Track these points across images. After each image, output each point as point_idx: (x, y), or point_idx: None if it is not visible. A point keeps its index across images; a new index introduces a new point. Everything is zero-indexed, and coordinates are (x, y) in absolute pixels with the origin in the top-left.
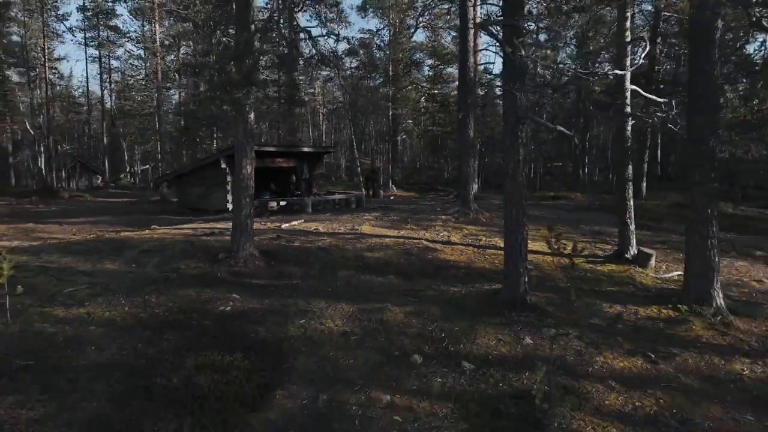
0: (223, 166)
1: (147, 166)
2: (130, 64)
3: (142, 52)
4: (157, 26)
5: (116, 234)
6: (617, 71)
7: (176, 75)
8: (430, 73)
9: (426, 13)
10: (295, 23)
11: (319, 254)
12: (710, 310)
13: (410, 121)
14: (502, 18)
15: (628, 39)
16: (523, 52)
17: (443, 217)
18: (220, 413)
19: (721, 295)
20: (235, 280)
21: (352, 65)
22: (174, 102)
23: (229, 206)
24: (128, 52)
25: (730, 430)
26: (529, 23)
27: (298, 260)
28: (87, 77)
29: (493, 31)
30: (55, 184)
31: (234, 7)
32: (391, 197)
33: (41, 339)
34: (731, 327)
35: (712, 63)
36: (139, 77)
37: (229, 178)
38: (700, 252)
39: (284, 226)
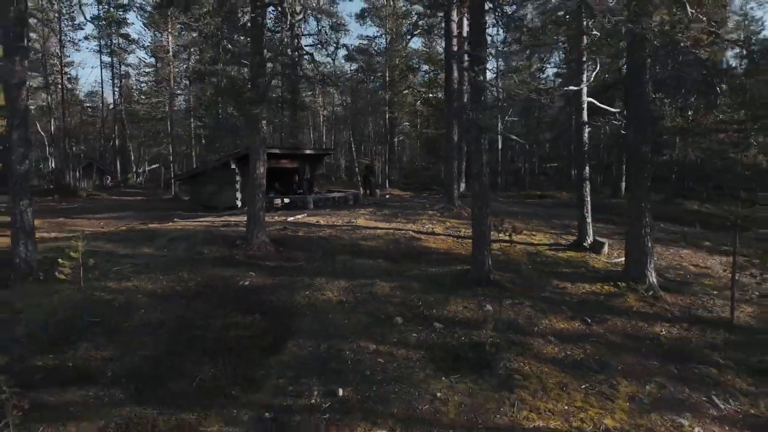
0: (233, 167)
1: (154, 166)
2: (143, 71)
3: (153, 59)
4: (170, 37)
5: (145, 226)
6: (572, 87)
7: (187, 81)
8: (426, 78)
9: (420, 22)
10: (302, 50)
11: (320, 242)
12: (644, 287)
13: (407, 123)
14: (468, 50)
15: (584, 59)
16: (481, 78)
17: (430, 212)
18: (246, 357)
19: (654, 275)
20: (251, 261)
21: (352, 67)
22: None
23: (238, 203)
24: (141, 59)
25: (637, 371)
26: (492, 52)
27: (303, 247)
28: (102, 82)
29: (463, 59)
30: (71, 184)
31: (249, 26)
32: (387, 196)
33: (103, 303)
34: (660, 300)
35: (644, 86)
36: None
37: (238, 178)
38: (637, 241)
39: (289, 219)
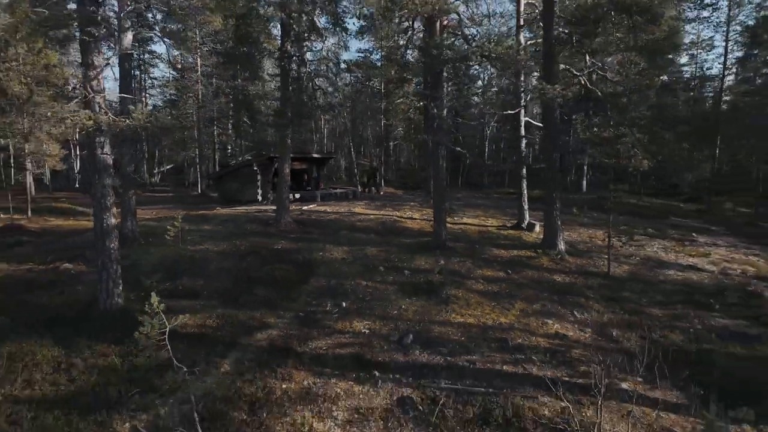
0: (255, 168)
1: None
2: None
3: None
4: (199, 60)
5: (196, 212)
6: (509, 111)
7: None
8: (418, 89)
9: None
10: (315, 86)
11: (328, 223)
12: (554, 252)
13: (400, 129)
14: (428, 92)
15: (522, 89)
16: (436, 111)
17: (411, 203)
18: (285, 286)
19: (562, 245)
20: (280, 234)
21: (352, 75)
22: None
23: (259, 198)
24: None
25: (531, 298)
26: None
27: (316, 225)
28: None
29: (427, 96)
30: None
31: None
32: (381, 193)
33: (188, 258)
34: (564, 260)
35: (553, 111)
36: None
37: (259, 177)
38: (550, 221)
39: (304, 208)
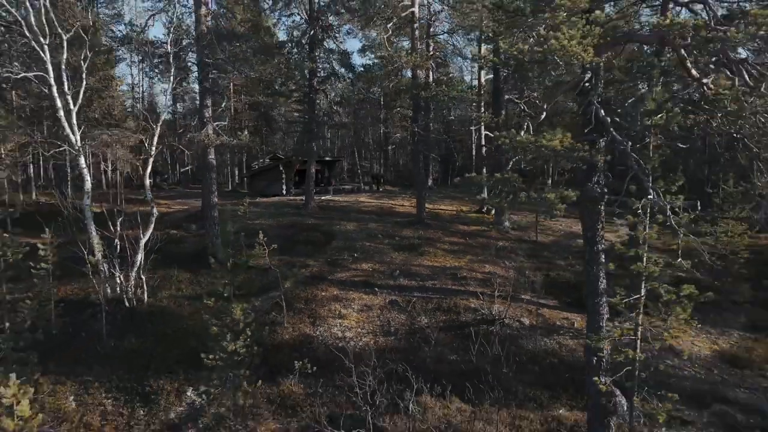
0: (281, 169)
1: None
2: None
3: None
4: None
5: (242, 201)
6: (472, 128)
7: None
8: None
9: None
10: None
11: (341, 207)
12: (501, 227)
13: (397, 135)
14: (412, 115)
15: (482, 110)
16: (416, 128)
17: (403, 196)
18: (316, 245)
19: (508, 222)
20: (309, 214)
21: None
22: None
23: (283, 192)
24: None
25: (478, 252)
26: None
27: (332, 209)
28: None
29: (408, 116)
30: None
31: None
32: (381, 190)
33: (251, 227)
34: (508, 233)
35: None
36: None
37: (284, 176)
38: (500, 206)
39: (322, 198)
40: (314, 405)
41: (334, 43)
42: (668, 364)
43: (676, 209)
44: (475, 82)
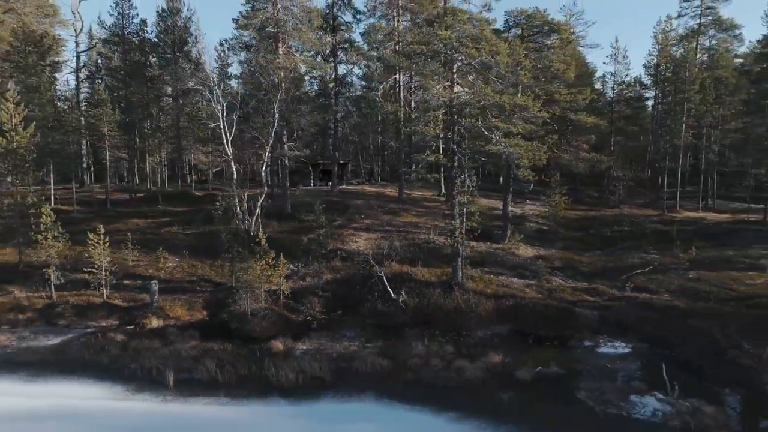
0: (309, 168)
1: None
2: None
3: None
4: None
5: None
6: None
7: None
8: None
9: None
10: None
11: (352, 192)
12: (447, 203)
13: (391, 143)
14: (391, 136)
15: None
16: (398, 145)
17: (392, 186)
18: (340, 211)
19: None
20: (334, 195)
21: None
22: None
23: (312, 184)
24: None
25: (434, 216)
26: None
27: (347, 193)
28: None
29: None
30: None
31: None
32: (378, 182)
33: (305, 201)
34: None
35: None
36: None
37: (311, 173)
38: (450, 192)
39: (339, 187)
40: (348, 268)
41: (349, 93)
42: (508, 258)
43: (473, 185)
44: None
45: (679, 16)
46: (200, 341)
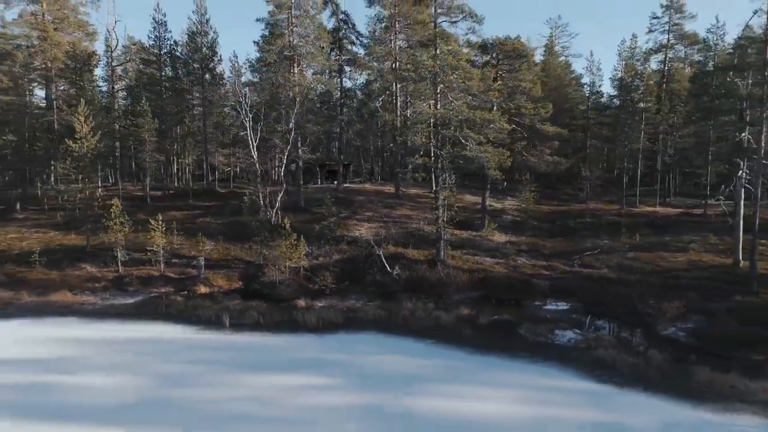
0: (317, 169)
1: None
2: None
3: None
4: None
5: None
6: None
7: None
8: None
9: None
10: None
11: (355, 189)
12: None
13: (391, 145)
14: (393, 139)
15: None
16: (393, 147)
17: (390, 184)
18: (346, 204)
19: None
20: (339, 191)
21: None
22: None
23: (319, 183)
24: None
25: (426, 210)
26: None
27: (351, 190)
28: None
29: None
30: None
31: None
32: (377, 181)
33: (313, 197)
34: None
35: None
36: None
37: (318, 173)
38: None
39: (343, 185)
40: (353, 250)
41: (353, 103)
42: (484, 243)
43: (452, 183)
44: None
45: (650, 31)
46: (242, 301)
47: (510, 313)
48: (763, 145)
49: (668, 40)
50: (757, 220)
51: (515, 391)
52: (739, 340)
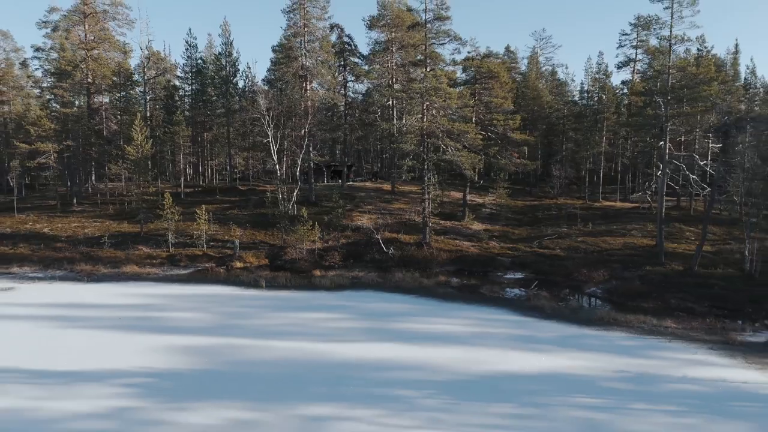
0: (324, 169)
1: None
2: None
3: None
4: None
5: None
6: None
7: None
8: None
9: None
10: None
11: (357, 187)
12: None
13: (387, 151)
14: (387, 148)
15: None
16: (389, 150)
17: (387, 183)
18: (350, 199)
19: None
20: (344, 189)
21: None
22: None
23: (325, 181)
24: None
25: (417, 203)
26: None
27: (353, 187)
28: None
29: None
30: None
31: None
32: (377, 180)
33: (323, 193)
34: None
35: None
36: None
37: (325, 173)
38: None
39: (347, 183)
40: (356, 235)
41: (355, 113)
42: (464, 230)
43: (435, 181)
44: None
45: (620, 46)
46: (270, 272)
47: (476, 279)
48: (666, 152)
49: (636, 54)
50: (663, 210)
51: (468, 320)
52: (637, 294)
